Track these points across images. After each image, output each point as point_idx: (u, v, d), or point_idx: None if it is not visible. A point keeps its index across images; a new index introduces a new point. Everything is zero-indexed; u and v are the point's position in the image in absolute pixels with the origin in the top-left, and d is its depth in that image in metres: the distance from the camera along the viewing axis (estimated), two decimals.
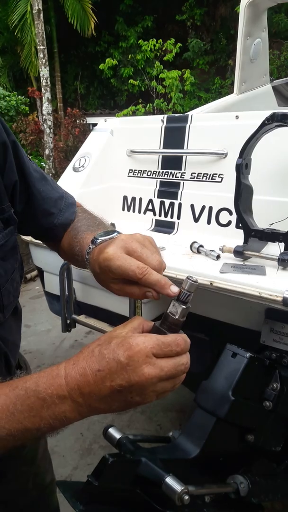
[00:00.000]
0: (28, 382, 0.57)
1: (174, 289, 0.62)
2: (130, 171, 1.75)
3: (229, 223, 1.49)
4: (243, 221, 1.28)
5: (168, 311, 0.60)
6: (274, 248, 1.24)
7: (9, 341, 0.86)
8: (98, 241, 0.72)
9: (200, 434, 1.03)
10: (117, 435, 1.01)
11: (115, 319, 1.53)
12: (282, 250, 1.19)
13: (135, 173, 1.73)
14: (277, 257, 1.18)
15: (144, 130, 1.73)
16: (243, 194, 1.27)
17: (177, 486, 0.85)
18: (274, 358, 1.17)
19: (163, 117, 1.63)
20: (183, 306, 0.60)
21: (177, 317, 0.60)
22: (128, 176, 1.75)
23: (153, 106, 8.40)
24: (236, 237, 1.34)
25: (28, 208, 0.84)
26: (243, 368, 1.05)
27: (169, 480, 0.87)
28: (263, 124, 1.18)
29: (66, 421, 0.57)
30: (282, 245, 1.20)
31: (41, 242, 0.99)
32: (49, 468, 1.21)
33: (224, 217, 1.50)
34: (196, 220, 1.58)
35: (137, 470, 0.90)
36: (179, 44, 8.59)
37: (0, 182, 0.76)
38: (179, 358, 0.57)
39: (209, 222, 1.54)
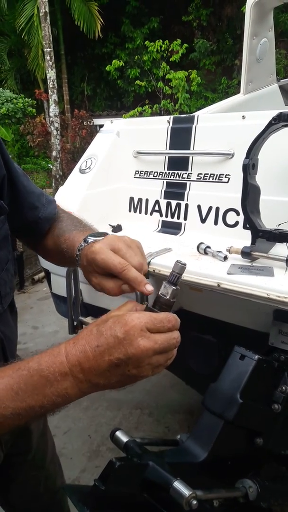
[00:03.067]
0: (30, 363, 0.60)
1: (149, 288, 0.69)
2: (137, 172, 1.74)
3: (236, 223, 1.48)
4: (251, 222, 1.27)
5: (159, 293, 0.66)
6: (282, 249, 1.22)
7: (6, 335, 0.86)
8: (90, 240, 0.78)
9: (208, 437, 1.02)
10: (124, 438, 1.01)
11: None
12: None
13: (141, 174, 1.72)
14: (285, 258, 1.16)
15: (150, 131, 1.72)
16: (250, 194, 1.26)
17: (185, 491, 0.84)
18: (283, 360, 1.15)
19: (169, 118, 1.62)
20: (173, 287, 0.67)
21: (168, 297, 0.66)
22: (135, 177, 1.74)
23: (160, 107, 8.39)
24: (243, 238, 1.33)
25: (14, 201, 0.86)
26: (251, 370, 1.04)
27: (177, 485, 0.86)
28: (269, 124, 1.17)
29: (68, 397, 0.60)
30: None
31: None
32: (59, 471, 1.21)
33: (231, 217, 1.49)
34: (203, 221, 1.56)
35: (144, 474, 0.90)
36: (186, 45, 8.58)
37: None
38: (170, 333, 0.62)
39: (216, 223, 1.53)
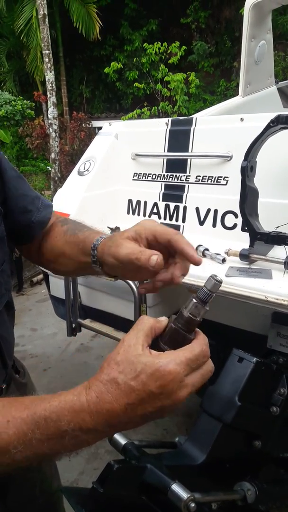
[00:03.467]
0: (48, 411, 0.54)
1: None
2: (135, 174, 1.74)
3: (235, 226, 1.48)
4: (249, 224, 1.27)
5: (189, 313, 0.57)
6: (280, 251, 1.23)
7: (3, 335, 0.85)
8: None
9: (206, 440, 1.02)
10: (122, 440, 1.00)
11: (120, 323, 1.53)
12: None
13: (139, 177, 1.73)
14: (284, 260, 1.17)
15: (148, 133, 1.72)
16: (248, 197, 1.27)
17: (183, 494, 0.84)
18: (281, 363, 1.15)
19: (168, 120, 1.63)
20: (207, 308, 0.58)
21: (198, 318, 0.58)
22: (133, 179, 1.75)
23: (158, 109, 8.41)
24: (241, 240, 1.33)
25: (5, 204, 0.83)
26: (249, 373, 1.04)
27: (175, 487, 0.85)
28: (268, 127, 1.17)
29: (88, 444, 0.56)
30: None
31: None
32: (56, 474, 1.20)
33: (229, 220, 1.49)
34: (201, 223, 1.57)
35: (142, 476, 0.89)
36: (184, 47, 8.60)
37: None
38: (205, 367, 0.56)
39: (214, 225, 1.53)
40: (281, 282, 1.11)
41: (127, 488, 0.90)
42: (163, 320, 0.59)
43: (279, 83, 3.00)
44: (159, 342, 0.58)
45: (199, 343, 0.56)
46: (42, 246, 0.90)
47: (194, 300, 0.57)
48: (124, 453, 0.98)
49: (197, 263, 0.66)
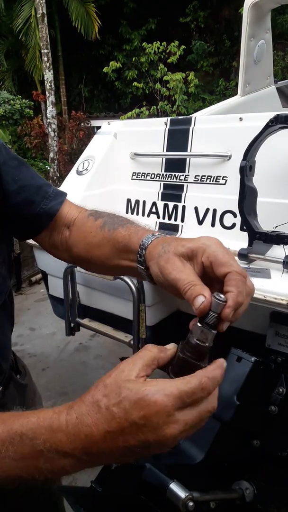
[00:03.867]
0: (24, 427, 0.50)
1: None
2: (134, 174, 1.74)
3: (234, 225, 1.48)
4: (248, 224, 1.27)
5: (195, 339, 0.52)
6: (279, 251, 1.23)
7: None
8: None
9: (205, 439, 1.02)
10: None
11: (119, 323, 1.53)
12: (287, 253, 1.18)
13: (138, 176, 1.73)
14: (282, 260, 1.17)
15: (147, 132, 1.72)
16: (247, 196, 1.27)
17: (182, 493, 0.84)
18: (280, 362, 1.15)
19: (167, 120, 1.63)
20: (213, 331, 0.53)
21: (207, 344, 0.52)
22: (132, 179, 1.75)
23: (158, 108, 8.40)
24: (240, 239, 1.33)
25: (4, 200, 0.78)
26: (248, 372, 1.04)
27: (174, 486, 0.86)
28: (267, 126, 1.17)
29: (66, 473, 0.51)
30: (287, 247, 1.19)
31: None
32: None
33: (228, 219, 1.49)
34: (200, 222, 1.57)
35: (141, 476, 0.90)
36: (183, 47, 8.59)
37: None
38: (204, 405, 0.48)
39: (213, 224, 1.53)
40: (279, 282, 1.12)
41: (125, 488, 0.90)
42: (171, 348, 0.54)
43: (278, 82, 3.00)
44: (168, 373, 0.53)
45: (200, 375, 0.49)
46: (70, 243, 0.82)
47: (199, 324, 0.52)
48: None
49: (222, 326, 0.54)
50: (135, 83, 9.16)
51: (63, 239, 0.83)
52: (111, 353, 2.97)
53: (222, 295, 0.53)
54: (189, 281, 0.56)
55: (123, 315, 1.48)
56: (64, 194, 0.85)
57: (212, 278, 0.57)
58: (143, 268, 0.66)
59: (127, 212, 1.76)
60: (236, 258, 1.29)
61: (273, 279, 1.14)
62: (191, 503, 0.84)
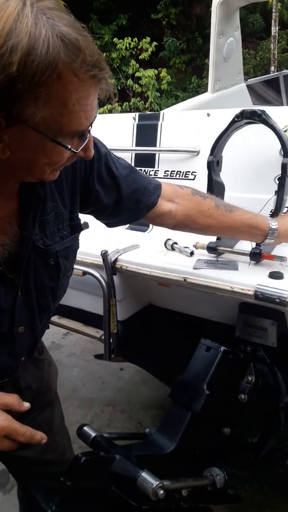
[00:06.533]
0: None
1: None
2: None
3: None
4: None
5: None
6: (246, 244, 1.26)
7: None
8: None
9: (175, 429, 1.04)
10: (92, 433, 1.01)
11: (89, 319, 1.53)
12: (254, 245, 1.20)
13: None
14: (249, 252, 1.19)
15: (116, 127, 1.72)
16: (215, 191, 1.29)
17: (152, 481, 0.86)
18: (249, 352, 1.18)
19: (135, 115, 1.63)
20: None
21: None
22: None
23: (130, 104, 8.40)
24: None
25: (118, 202, 0.97)
26: (217, 362, 1.06)
27: (144, 476, 0.87)
28: (233, 122, 1.20)
29: None
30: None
31: None
32: (68, 444, 1.23)
33: None
34: None
35: (111, 467, 0.90)
36: (155, 43, 8.61)
37: (77, 193, 0.89)
38: None
39: None
40: (246, 273, 1.14)
41: (96, 480, 0.91)
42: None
43: (248, 80, 3.05)
44: None
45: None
46: (181, 216, 1.04)
47: None
48: (93, 445, 0.99)
49: None
50: None
51: (169, 214, 1.04)
52: (85, 350, 2.96)
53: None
54: None
55: (93, 310, 1.48)
56: (160, 186, 1.03)
57: None
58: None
59: None
60: (204, 251, 1.31)
61: (240, 271, 1.16)
62: (161, 491, 0.86)
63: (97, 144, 0.91)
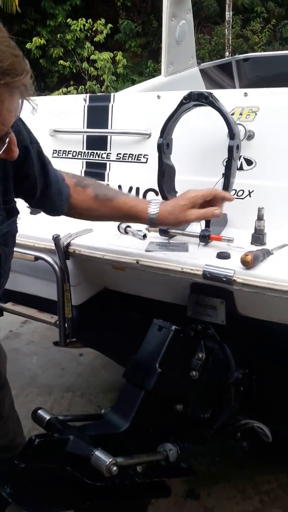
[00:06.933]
0: None
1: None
2: (54, 151, 1.70)
3: None
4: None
5: None
6: (197, 226, 1.28)
7: None
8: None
9: (129, 407, 1.06)
10: (46, 416, 1.01)
11: (44, 304, 1.51)
12: (203, 227, 1.23)
13: (59, 154, 1.69)
14: (199, 234, 1.22)
15: (66, 109, 1.69)
16: (166, 174, 1.30)
17: (105, 459, 0.88)
18: (199, 330, 1.22)
19: (86, 96, 1.60)
20: None
21: None
22: (53, 156, 1.70)
23: (86, 88, 8.22)
24: None
25: (45, 191, 1.02)
26: (168, 340, 1.09)
27: (97, 454, 0.89)
28: (181, 103, 1.20)
29: None
30: (203, 222, 1.24)
31: None
32: (19, 429, 1.22)
33: (151, 198, 1.52)
34: None
35: (65, 448, 0.91)
36: (110, 25, 8.43)
37: (10, 178, 0.90)
38: None
39: None
40: (196, 254, 1.17)
41: (50, 461, 0.92)
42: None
43: (201, 64, 3.07)
44: None
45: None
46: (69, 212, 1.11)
47: None
48: (48, 428, 1.00)
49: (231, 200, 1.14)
50: (61, 62, 8.86)
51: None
52: (44, 338, 2.93)
53: None
54: (207, 211, 1.08)
55: (47, 296, 1.46)
56: (63, 178, 1.08)
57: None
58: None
59: None
60: (157, 234, 1.33)
61: (190, 252, 1.19)
62: (114, 468, 0.88)
63: (30, 133, 0.97)
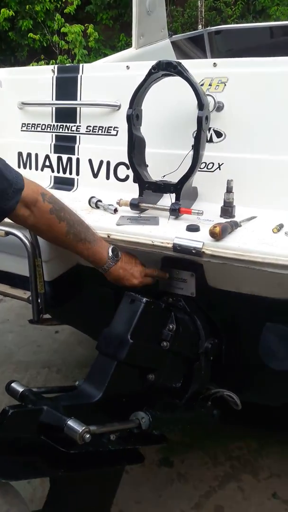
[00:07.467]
0: None
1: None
2: (23, 125, 1.66)
3: (127, 177, 1.50)
4: (137, 174, 1.30)
5: None
6: (167, 200, 1.28)
7: None
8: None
9: (102, 378, 1.08)
10: (19, 388, 1.02)
11: (16, 280, 1.50)
12: (173, 201, 1.23)
13: (28, 127, 1.64)
14: (169, 208, 1.22)
15: (34, 81, 1.63)
16: (136, 146, 1.29)
17: (78, 427, 0.89)
18: (170, 302, 1.24)
19: (54, 67, 1.56)
20: None
21: None
22: (22, 130, 1.66)
23: (57, 62, 7.95)
24: (134, 191, 1.35)
25: None
26: (140, 312, 1.10)
27: (71, 423, 0.90)
28: (149, 73, 1.18)
29: None
30: (173, 196, 1.25)
31: None
32: None
33: (122, 171, 1.50)
34: (95, 175, 1.56)
35: (39, 418, 0.93)
36: None
37: None
38: None
39: (108, 177, 1.54)
40: (166, 228, 1.17)
41: (24, 431, 0.93)
42: None
43: (173, 36, 3.01)
44: None
45: None
46: (32, 225, 1.14)
47: None
48: (22, 400, 1.01)
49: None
50: (30, 34, 8.51)
51: (21, 217, 1.10)
52: (19, 316, 2.91)
53: None
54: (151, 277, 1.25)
55: (19, 272, 1.45)
56: (20, 191, 1.06)
57: None
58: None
59: (19, 167, 1.68)
60: (128, 208, 1.32)
61: (160, 226, 1.19)
62: (87, 435, 0.90)
63: None
